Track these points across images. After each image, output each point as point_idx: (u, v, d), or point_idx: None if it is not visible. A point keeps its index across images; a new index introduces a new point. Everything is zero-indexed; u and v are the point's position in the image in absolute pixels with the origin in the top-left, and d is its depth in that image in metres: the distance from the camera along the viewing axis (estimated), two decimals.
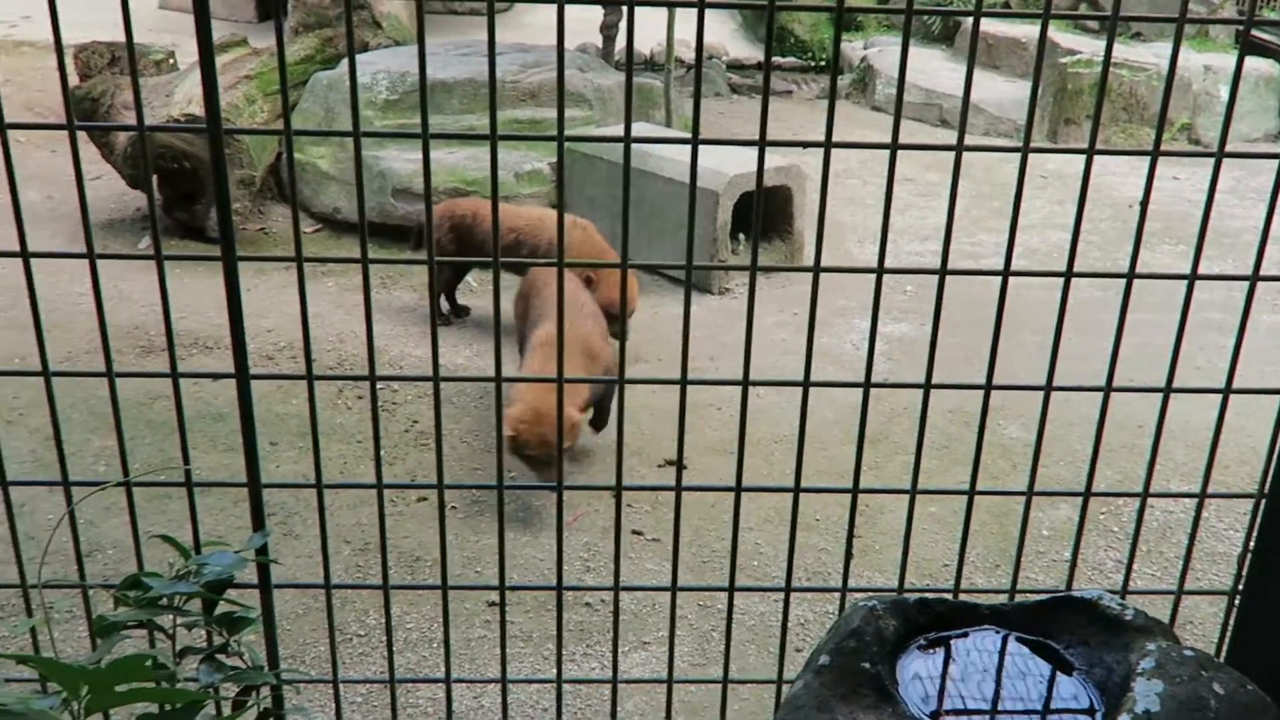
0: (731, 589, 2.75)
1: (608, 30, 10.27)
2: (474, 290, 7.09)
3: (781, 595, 2.87)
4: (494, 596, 4.23)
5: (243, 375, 2.45)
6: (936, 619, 2.19)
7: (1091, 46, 11.24)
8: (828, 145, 2.35)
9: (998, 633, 2.19)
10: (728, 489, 2.63)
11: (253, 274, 6.98)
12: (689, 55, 12.80)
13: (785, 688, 2.69)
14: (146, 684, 1.86)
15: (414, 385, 5.77)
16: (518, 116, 7.82)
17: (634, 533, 4.71)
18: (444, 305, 6.69)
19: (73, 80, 9.41)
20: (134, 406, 5.34)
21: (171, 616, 2.37)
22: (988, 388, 2.64)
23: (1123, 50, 11.13)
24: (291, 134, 2.26)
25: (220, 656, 2.44)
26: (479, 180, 7.36)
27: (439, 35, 11.20)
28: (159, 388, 5.52)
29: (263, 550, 2.49)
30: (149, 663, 1.81)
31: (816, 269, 2.45)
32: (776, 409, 5.65)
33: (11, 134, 2.32)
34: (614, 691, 2.91)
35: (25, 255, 2.33)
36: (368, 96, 7.76)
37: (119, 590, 2.35)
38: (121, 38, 9.17)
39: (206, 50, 2.16)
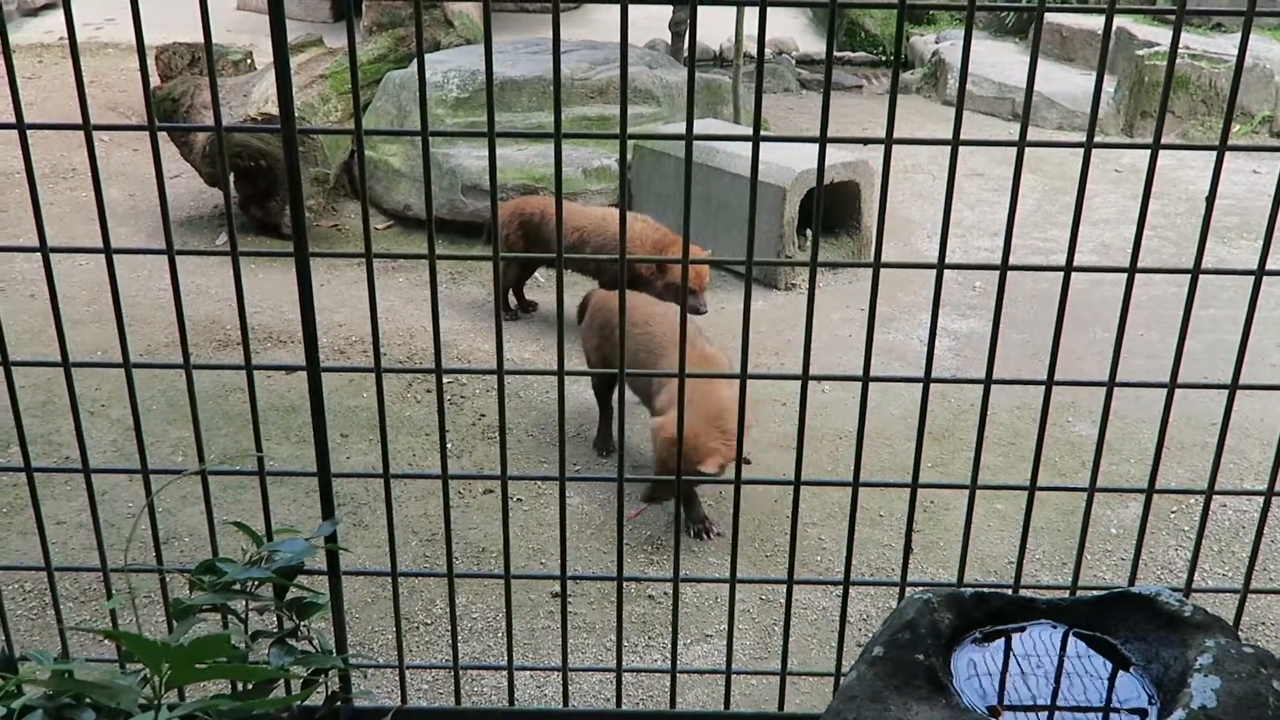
0: (790, 581, 2.77)
1: (676, 27, 10.29)
2: (542, 286, 7.16)
3: (844, 589, 2.89)
4: (558, 587, 4.29)
5: (314, 368, 2.52)
6: (992, 613, 2.19)
7: (1170, 38, 11.02)
8: (889, 142, 2.36)
9: (1055, 627, 2.19)
10: (786, 483, 2.65)
11: (326, 269, 7.12)
12: (756, 50, 12.78)
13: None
14: (224, 662, 1.93)
15: (482, 379, 5.85)
16: (586, 114, 7.88)
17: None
18: (512, 301, 6.77)
19: (154, 81, 9.65)
20: (210, 399, 5.48)
21: (244, 601, 2.46)
22: (1049, 383, 2.64)
23: (1202, 41, 10.91)
24: (362, 133, 2.32)
25: (290, 640, 2.52)
26: (548, 177, 7.43)
27: (510, 33, 11.31)
28: (234, 380, 5.66)
29: (332, 538, 2.57)
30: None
31: (876, 264, 2.46)
32: (841, 404, 5.65)
33: (95, 134, 2.41)
34: (673, 681, 2.95)
35: (108, 251, 2.42)
36: (439, 95, 7.86)
37: (194, 575, 2.44)
38: (201, 39, 9.33)
39: (281, 52, 2.23)
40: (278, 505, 4.55)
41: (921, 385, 2.63)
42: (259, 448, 2.65)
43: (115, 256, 2.49)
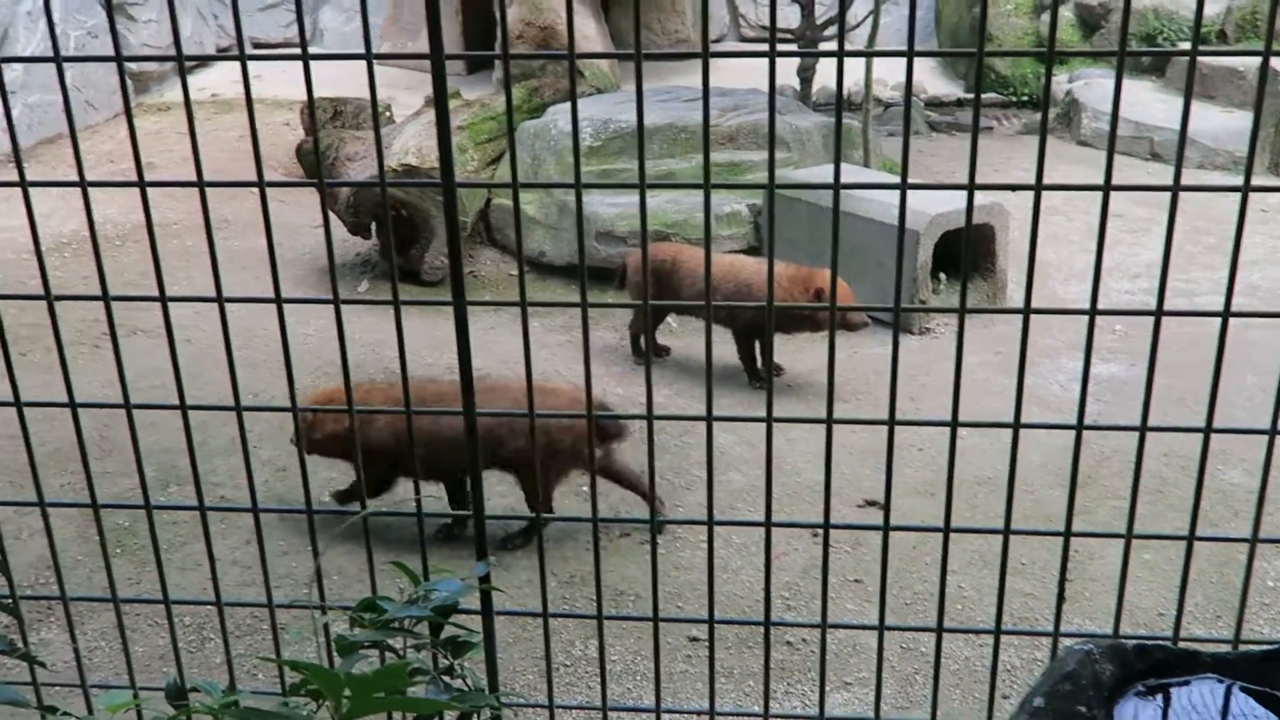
0: (940, 630, 2.75)
1: (805, 73, 10.34)
2: (674, 331, 7.23)
3: (987, 639, 2.85)
4: (695, 631, 4.31)
5: (469, 413, 2.60)
6: (1155, 665, 2.14)
7: None
8: (1038, 188, 2.35)
9: (1220, 682, 2.14)
10: (935, 530, 2.63)
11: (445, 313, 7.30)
12: (886, 94, 12.73)
13: None
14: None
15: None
16: (716, 160, 7.96)
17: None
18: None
19: (298, 134, 10.06)
20: None
21: (402, 638, 2.54)
22: (1207, 430, 2.58)
23: None
24: (518, 186, 2.41)
25: (445, 678, 2.59)
26: (680, 223, 7.52)
27: (645, 82, 11.47)
28: None
29: (485, 579, 2.63)
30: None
31: (1026, 310, 2.44)
32: (978, 450, 5.56)
33: (246, 186, 2.55)
34: None
35: (279, 300, 2.54)
36: (571, 143, 8.03)
37: (355, 612, 2.53)
38: (342, 93, 9.57)
39: (443, 112, 2.33)
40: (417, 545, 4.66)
41: (1074, 432, 2.59)
42: (418, 490, 2.74)
43: (260, 303, 2.61)
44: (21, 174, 2.46)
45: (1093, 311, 2.47)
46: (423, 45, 13.05)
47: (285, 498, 5.25)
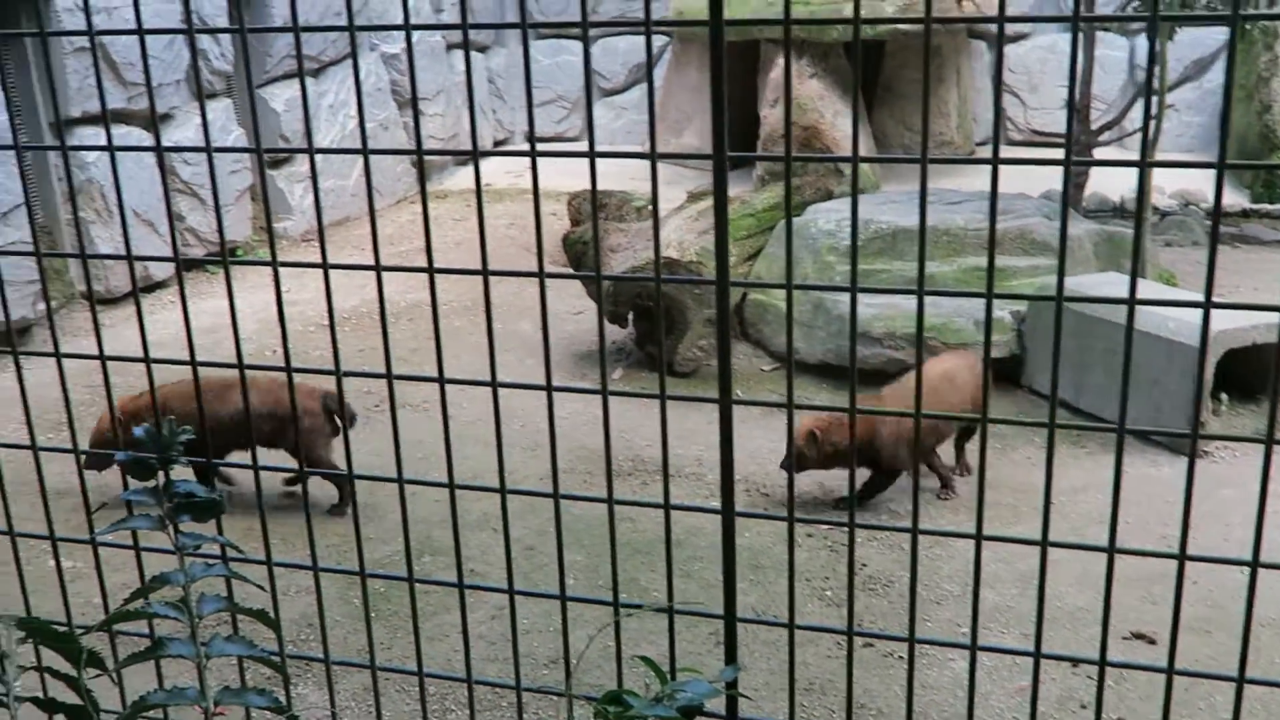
0: None
1: (1076, 178, 10.01)
2: None
3: None
4: None
5: (728, 512, 2.57)
6: None
7: None
8: None
9: None
10: (1228, 678, 2.41)
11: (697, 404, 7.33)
12: (1163, 202, 12.17)
13: None
14: None
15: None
16: (980, 264, 7.77)
17: (1081, 707, 4.42)
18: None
19: (564, 224, 10.44)
20: (598, 526, 5.71)
21: None
22: None
23: None
24: (792, 287, 2.39)
25: None
26: (939, 327, 7.35)
27: (899, 183, 11.39)
28: (620, 509, 5.88)
29: (733, 684, 2.58)
30: None
31: None
32: (1263, 586, 5.10)
33: (509, 276, 2.63)
34: None
35: (549, 388, 2.60)
36: (831, 242, 8.01)
37: (600, 704, 2.52)
38: (605, 186, 9.87)
39: (722, 214, 2.34)
40: (654, 637, 4.64)
41: None
42: (670, 587, 2.73)
43: (530, 389, 2.68)
44: (324, 257, 2.63)
45: None
46: (687, 141, 13.33)
47: (530, 575, 5.34)
